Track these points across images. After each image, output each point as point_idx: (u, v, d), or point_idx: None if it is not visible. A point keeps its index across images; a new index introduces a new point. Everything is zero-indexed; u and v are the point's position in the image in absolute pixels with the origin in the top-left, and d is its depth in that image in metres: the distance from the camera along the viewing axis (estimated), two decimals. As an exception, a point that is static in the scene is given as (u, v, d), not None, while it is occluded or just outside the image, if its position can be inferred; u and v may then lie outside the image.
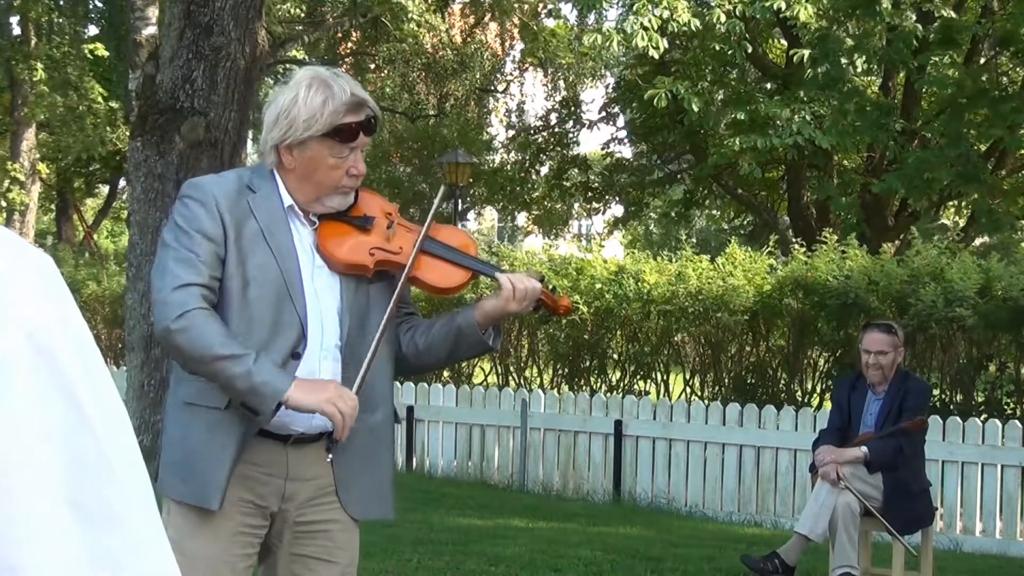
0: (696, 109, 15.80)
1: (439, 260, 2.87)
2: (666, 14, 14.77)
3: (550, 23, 24.41)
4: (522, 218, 30.57)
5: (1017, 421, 8.72)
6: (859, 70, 16.26)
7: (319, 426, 2.73)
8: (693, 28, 15.13)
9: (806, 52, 15.54)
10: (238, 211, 2.70)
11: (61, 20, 21.49)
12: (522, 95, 26.88)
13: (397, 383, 11.46)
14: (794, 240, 13.32)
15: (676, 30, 15.14)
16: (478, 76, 24.75)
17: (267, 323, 2.68)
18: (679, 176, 21.92)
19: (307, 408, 2.60)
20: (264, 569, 2.84)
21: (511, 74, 26.59)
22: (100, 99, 21.22)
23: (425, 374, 12.46)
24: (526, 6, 23.30)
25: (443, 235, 2.94)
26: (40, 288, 0.87)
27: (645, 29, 14.61)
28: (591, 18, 20.11)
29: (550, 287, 3.00)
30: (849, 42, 16.01)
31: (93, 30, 23.46)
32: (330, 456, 2.72)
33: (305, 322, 2.71)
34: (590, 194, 23.46)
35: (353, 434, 2.75)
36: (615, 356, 12.22)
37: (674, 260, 12.05)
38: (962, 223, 21.37)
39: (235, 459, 2.66)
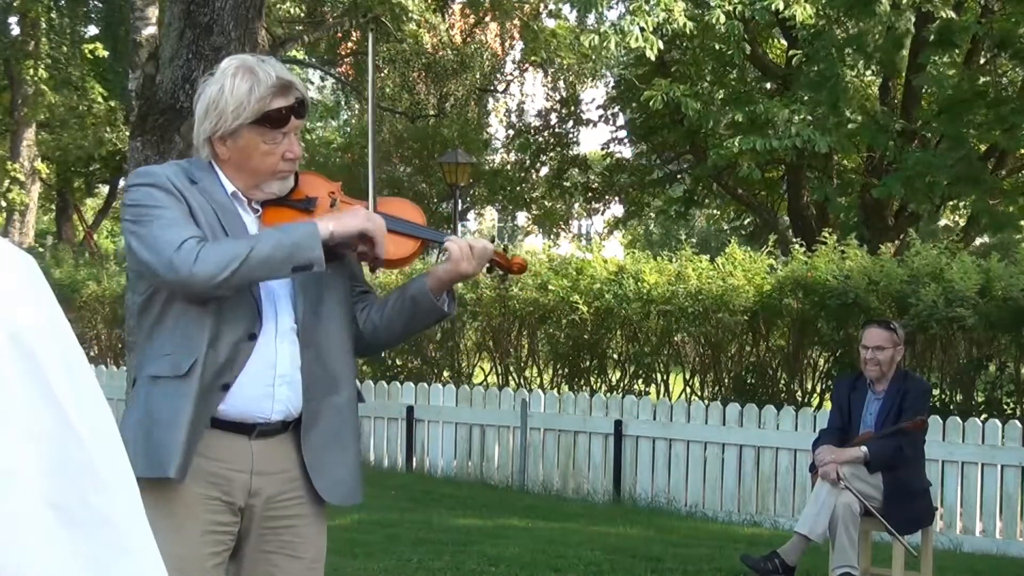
0: (692, 112, 15.80)
1: (387, 232, 2.84)
2: (663, 16, 14.77)
3: (550, 23, 24.40)
4: (522, 218, 30.58)
5: (1017, 421, 8.72)
6: (854, 69, 16.23)
7: (280, 416, 2.73)
8: (689, 31, 15.14)
9: (805, 54, 15.56)
10: (190, 193, 2.71)
11: (61, 20, 21.47)
12: (522, 95, 26.89)
13: (397, 383, 11.48)
14: (794, 240, 13.31)
15: (674, 32, 15.14)
16: (478, 76, 24.75)
17: (224, 304, 2.67)
18: (679, 176, 21.93)
19: (351, 230, 2.68)
20: (231, 566, 2.83)
21: (511, 74, 26.60)
22: (100, 99, 21.21)
23: (424, 377, 12.45)
24: (527, 6, 23.30)
25: (389, 207, 2.92)
26: (24, 290, 0.87)
27: (642, 30, 14.61)
28: (591, 19, 20.10)
29: (502, 249, 2.99)
30: (842, 38, 15.99)
31: (93, 30, 23.45)
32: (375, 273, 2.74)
33: (260, 304, 2.71)
34: (590, 194, 23.47)
35: (320, 416, 2.76)
36: (615, 356, 12.21)
37: (674, 260, 12.04)
38: (962, 223, 21.36)
39: (191, 424, 2.61)
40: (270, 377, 2.70)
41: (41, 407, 0.84)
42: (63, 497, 0.84)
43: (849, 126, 15.73)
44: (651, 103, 15.69)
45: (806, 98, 15.70)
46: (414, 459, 10.89)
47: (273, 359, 2.72)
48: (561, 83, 25.24)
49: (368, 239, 2.72)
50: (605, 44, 15.17)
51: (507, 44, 25.96)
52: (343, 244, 2.77)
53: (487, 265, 2.88)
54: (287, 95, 2.71)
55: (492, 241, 2.93)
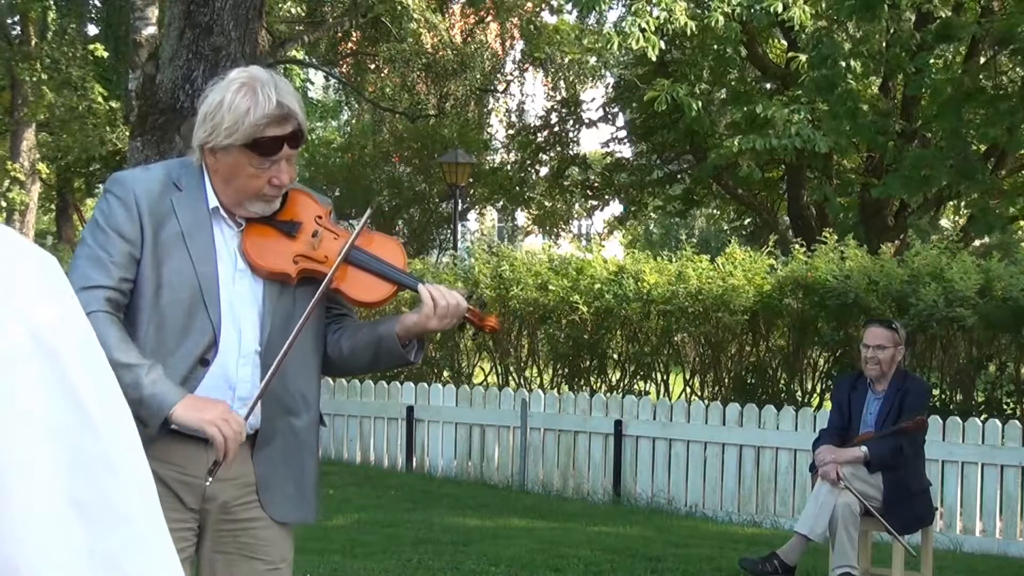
0: (694, 112, 15.81)
1: (364, 272, 2.79)
2: (664, 15, 14.78)
3: (551, 20, 24.44)
4: (522, 218, 30.60)
5: (1017, 421, 8.72)
6: (857, 72, 16.24)
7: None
8: (691, 30, 15.14)
9: (803, 57, 15.55)
10: (160, 210, 2.66)
11: (61, 20, 21.48)
12: (522, 95, 26.90)
13: (397, 383, 11.47)
14: (794, 240, 13.31)
15: (674, 31, 15.15)
16: (478, 76, 24.77)
17: (177, 328, 2.63)
18: (679, 176, 21.96)
19: (190, 426, 2.54)
20: (195, 568, 2.83)
21: (511, 74, 26.62)
22: (100, 99, 21.21)
23: (424, 377, 12.46)
24: (528, 5, 23.31)
25: (371, 245, 2.84)
26: (45, 288, 0.88)
27: (643, 31, 14.62)
28: (591, 19, 20.13)
29: (479, 304, 2.94)
30: (847, 46, 16.01)
31: (93, 30, 23.46)
32: (209, 480, 2.63)
33: (218, 328, 2.66)
34: (589, 192, 23.50)
35: (276, 436, 2.73)
36: (615, 356, 12.21)
37: (674, 260, 12.04)
38: (962, 223, 21.37)
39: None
40: (228, 399, 2.66)
41: (63, 405, 0.85)
42: (84, 494, 0.85)
43: (844, 123, 15.72)
44: (655, 104, 15.69)
45: (805, 99, 15.70)
46: (414, 459, 10.89)
47: (233, 382, 2.69)
48: (561, 83, 25.26)
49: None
50: (608, 45, 15.19)
51: (507, 44, 25.98)
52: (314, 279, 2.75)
53: (459, 322, 2.81)
54: (283, 125, 2.64)
55: (470, 298, 2.86)
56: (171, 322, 2.64)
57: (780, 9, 14.72)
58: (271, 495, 2.76)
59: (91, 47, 20.97)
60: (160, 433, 2.59)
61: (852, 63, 15.28)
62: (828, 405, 9.41)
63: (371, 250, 2.82)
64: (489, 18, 24.15)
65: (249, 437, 2.72)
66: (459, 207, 23.34)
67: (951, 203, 20.03)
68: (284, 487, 2.77)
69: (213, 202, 2.71)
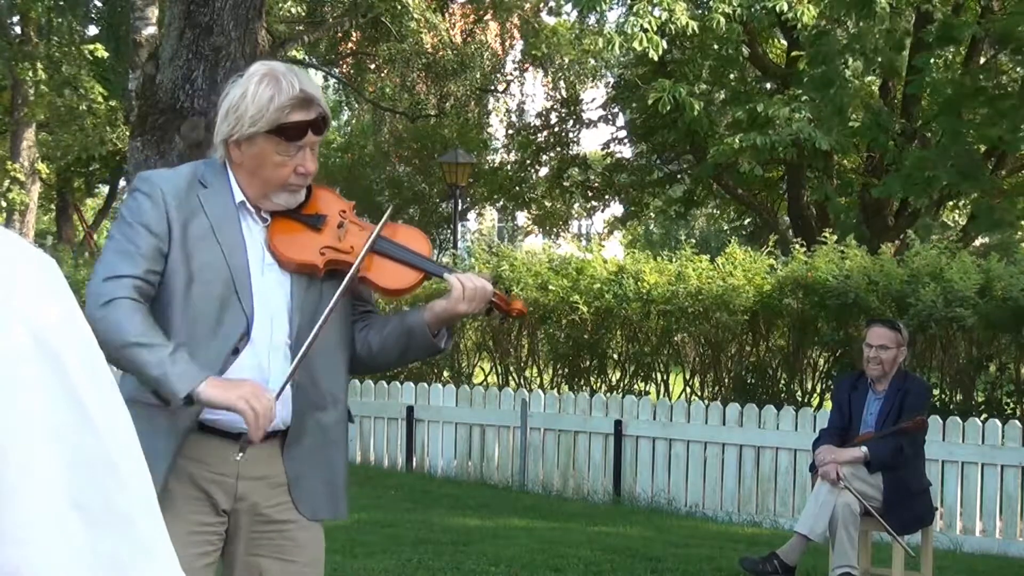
0: (695, 112, 15.81)
1: (390, 260, 2.82)
2: (665, 15, 14.79)
3: (550, 20, 24.44)
4: (522, 218, 30.61)
5: (1017, 421, 8.72)
6: (855, 70, 16.24)
7: (269, 428, 2.70)
8: (692, 31, 15.15)
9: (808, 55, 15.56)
10: (187, 207, 2.68)
11: (61, 20, 21.47)
12: (522, 95, 26.91)
13: (397, 383, 11.48)
14: (794, 240, 13.31)
15: (675, 32, 15.15)
16: (478, 76, 24.78)
17: (211, 320, 2.65)
18: (679, 176, 21.96)
19: (218, 403, 2.55)
20: (223, 569, 2.83)
21: (511, 74, 26.63)
22: (100, 99, 21.21)
23: (424, 377, 12.46)
24: (527, 5, 23.32)
25: (396, 234, 2.88)
26: (45, 289, 0.88)
27: (644, 31, 14.62)
28: (591, 19, 20.13)
29: (503, 289, 2.97)
30: (843, 40, 16.01)
31: (93, 30, 23.45)
32: (240, 455, 2.65)
33: (251, 318, 2.68)
34: (590, 193, 23.49)
35: (305, 433, 2.74)
36: (615, 356, 12.21)
37: (674, 260, 12.04)
38: (962, 223, 21.38)
39: (172, 453, 2.61)
40: None
41: (64, 406, 0.85)
42: (85, 496, 0.85)
43: (849, 125, 15.73)
44: (658, 106, 15.69)
45: (806, 98, 15.70)
46: (414, 459, 10.89)
47: (266, 374, 2.70)
48: (561, 83, 25.27)
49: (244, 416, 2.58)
50: (610, 47, 15.20)
51: (507, 44, 25.98)
52: (349, 276, 2.75)
53: (487, 306, 2.84)
54: (308, 109, 2.67)
55: (495, 282, 2.89)
56: (203, 315, 2.66)
57: (785, 8, 14.71)
58: (301, 492, 2.76)
59: (91, 47, 20.96)
60: (186, 422, 2.62)
61: (849, 58, 15.26)
62: (828, 405, 9.41)
63: (396, 239, 2.86)
64: (488, 17, 24.16)
65: (280, 435, 2.73)
66: (459, 207, 23.34)
67: (951, 202, 20.02)
68: (314, 484, 2.79)
69: (239, 196, 2.74)
